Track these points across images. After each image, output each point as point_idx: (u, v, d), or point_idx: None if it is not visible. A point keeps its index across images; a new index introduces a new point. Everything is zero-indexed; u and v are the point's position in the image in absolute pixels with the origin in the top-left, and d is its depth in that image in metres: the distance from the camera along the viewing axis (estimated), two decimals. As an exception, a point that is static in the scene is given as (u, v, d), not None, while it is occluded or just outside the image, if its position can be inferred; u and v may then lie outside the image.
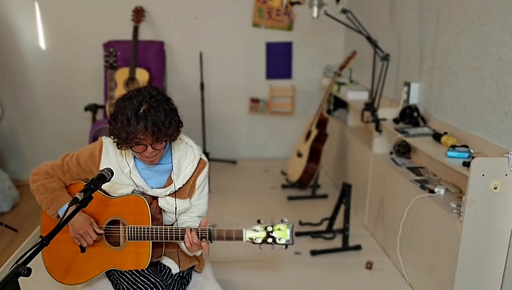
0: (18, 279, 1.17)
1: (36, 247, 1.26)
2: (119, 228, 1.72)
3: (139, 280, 1.65)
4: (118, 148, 1.65)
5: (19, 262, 1.19)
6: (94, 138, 3.51)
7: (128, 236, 1.66)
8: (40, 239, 1.29)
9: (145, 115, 1.53)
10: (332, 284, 2.49)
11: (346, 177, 3.60)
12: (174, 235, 1.63)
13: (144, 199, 1.67)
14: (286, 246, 1.56)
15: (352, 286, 2.47)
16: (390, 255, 2.72)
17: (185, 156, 1.76)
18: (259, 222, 1.58)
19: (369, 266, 2.62)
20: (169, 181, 1.74)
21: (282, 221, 1.56)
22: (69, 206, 1.38)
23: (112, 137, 1.63)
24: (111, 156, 1.72)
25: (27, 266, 1.18)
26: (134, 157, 1.72)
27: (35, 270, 1.40)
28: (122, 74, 3.66)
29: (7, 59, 3.95)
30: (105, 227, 1.72)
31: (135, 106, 1.54)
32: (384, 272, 2.60)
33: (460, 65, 2.34)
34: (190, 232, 1.59)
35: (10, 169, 4.13)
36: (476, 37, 2.19)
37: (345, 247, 2.80)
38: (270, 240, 1.55)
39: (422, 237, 2.30)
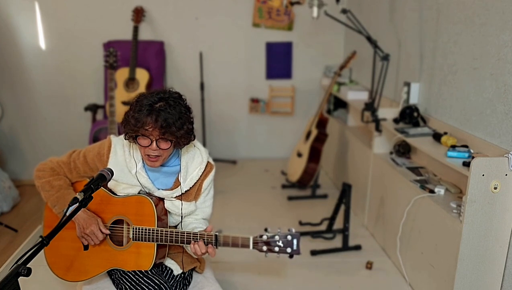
0: (18, 279, 1.17)
1: (36, 247, 1.26)
2: (123, 227, 1.72)
3: (142, 281, 1.64)
4: (125, 138, 1.65)
5: (19, 262, 1.19)
6: (94, 138, 3.51)
7: (133, 236, 1.66)
8: (40, 239, 1.29)
9: (159, 110, 1.54)
10: (332, 284, 2.49)
11: (346, 177, 3.60)
12: (180, 239, 1.62)
13: (151, 200, 1.66)
14: (292, 255, 1.56)
15: (352, 286, 2.47)
16: (390, 255, 2.72)
17: (193, 158, 1.76)
18: (266, 230, 1.58)
19: (369, 266, 2.62)
20: (176, 183, 1.74)
21: (289, 231, 1.57)
22: (69, 206, 1.37)
23: (122, 126, 1.63)
24: (119, 155, 1.71)
25: (27, 266, 1.18)
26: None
27: (35, 270, 1.41)
28: (122, 74, 3.66)
29: (7, 59, 3.95)
30: (110, 226, 1.71)
31: (154, 99, 1.57)
32: (384, 272, 2.60)
33: (460, 65, 2.34)
34: (195, 244, 1.59)
35: (10, 169, 4.14)
36: (476, 37, 2.19)
37: (345, 247, 2.80)
38: (276, 249, 1.55)
39: (422, 237, 2.30)
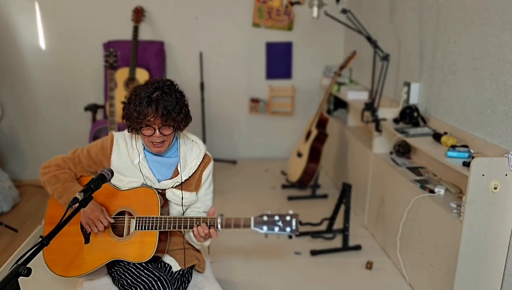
0: (18, 279, 1.17)
1: (36, 247, 1.26)
2: (125, 218, 1.76)
3: (143, 274, 1.68)
4: (129, 131, 1.74)
5: (19, 262, 1.19)
6: (94, 138, 3.51)
7: (137, 225, 1.70)
8: (40, 239, 1.29)
9: (157, 99, 1.62)
10: (332, 284, 2.49)
11: (346, 177, 3.60)
12: (183, 224, 1.68)
13: (154, 190, 1.74)
14: (291, 236, 1.63)
15: (352, 286, 2.47)
16: (390, 255, 2.72)
17: (191, 150, 1.84)
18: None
19: (369, 266, 2.62)
20: (176, 173, 1.80)
21: (288, 212, 1.63)
22: (69, 205, 1.39)
23: (124, 120, 1.70)
24: (121, 147, 1.78)
25: (27, 266, 1.18)
26: (144, 149, 1.79)
27: (35, 270, 1.40)
28: (122, 74, 3.66)
29: (7, 59, 3.95)
30: (113, 218, 1.75)
31: (149, 90, 1.64)
32: (384, 272, 2.60)
33: (460, 65, 2.34)
34: (198, 227, 1.66)
35: (10, 169, 4.14)
36: (476, 37, 2.19)
37: (345, 247, 2.80)
38: (276, 229, 1.61)
39: (422, 237, 2.30)
